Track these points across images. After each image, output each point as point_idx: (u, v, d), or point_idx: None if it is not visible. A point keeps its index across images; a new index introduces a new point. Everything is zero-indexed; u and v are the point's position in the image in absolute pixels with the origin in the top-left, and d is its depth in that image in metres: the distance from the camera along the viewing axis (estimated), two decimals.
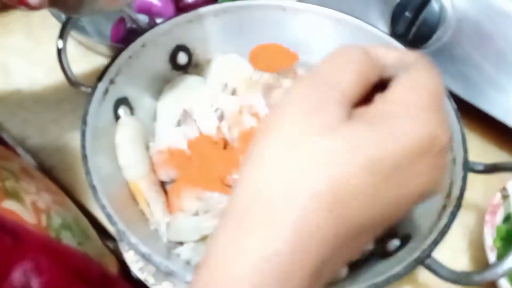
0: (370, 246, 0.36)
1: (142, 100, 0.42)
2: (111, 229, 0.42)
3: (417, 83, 0.22)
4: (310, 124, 0.20)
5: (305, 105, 0.21)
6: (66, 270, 0.31)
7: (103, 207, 0.30)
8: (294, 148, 0.20)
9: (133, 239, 0.29)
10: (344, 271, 0.34)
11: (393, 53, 0.24)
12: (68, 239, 0.33)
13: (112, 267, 0.39)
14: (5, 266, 0.27)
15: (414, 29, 0.49)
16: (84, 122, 0.35)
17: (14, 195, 0.30)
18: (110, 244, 0.43)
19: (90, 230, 0.40)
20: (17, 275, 0.27)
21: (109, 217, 0.30)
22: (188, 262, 0.34)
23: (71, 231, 0.34)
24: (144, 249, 0.29)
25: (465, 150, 0.36)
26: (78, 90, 0.39)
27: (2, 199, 0.29)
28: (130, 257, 0.41)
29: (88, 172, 0.32)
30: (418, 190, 0.21)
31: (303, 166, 0.20)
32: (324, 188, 0.19)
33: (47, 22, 0.60)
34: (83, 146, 0.33)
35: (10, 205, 0.29)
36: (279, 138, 0.21)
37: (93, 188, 0.31)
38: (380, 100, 0.22)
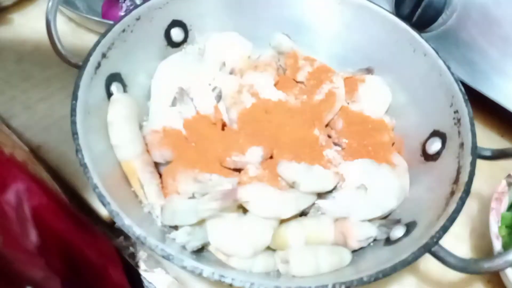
0: (374, 233, 0.34)
1: (136, 77, 0.40)
2: (103, 213, 0.40)
3: None
4: None
5: None
6: (53, 198, 0.30)
7: (95, 187, 0.28)
8: None
9: (127, 221, 0.27)
10: (348, 257, 0.33)
11: None
12: None
13: None
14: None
15: (419, 11, 0.47)
16: (75, 97, 0.32)
17: None
18: (101, 230, 0.41)
19: None
20: (10, 195, 0.27)
21: (101, 197, 0.28)
22: (183, 247, 0.32)
23: None
24: (138, 231, 0.27)
25: (474, 135, 0.35)
26: (67, 68, 0.37)
27: None
28: (121, 242, 0.39)
29: (79, 150, 0.30)
30: None
31: None
32: None
33: None
34: (74, 122, 0.31)
35: None
36: None
37: (85, 166, 0.29)
38: None
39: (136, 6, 0.40)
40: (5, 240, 0.26)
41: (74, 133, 0.31)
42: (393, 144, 0.41)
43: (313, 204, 0.35)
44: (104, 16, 0.55)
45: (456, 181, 0.33)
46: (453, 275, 0.39)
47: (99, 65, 0.36)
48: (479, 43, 0.47)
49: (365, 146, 0.39)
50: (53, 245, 0.29)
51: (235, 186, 0.33)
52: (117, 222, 0.27)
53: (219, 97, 0.40)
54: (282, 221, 0.34)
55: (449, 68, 0.39)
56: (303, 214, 0.35)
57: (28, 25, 0.55)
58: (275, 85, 0.43)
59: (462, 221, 0.43)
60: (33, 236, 0.28)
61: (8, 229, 0.27)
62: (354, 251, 0.34)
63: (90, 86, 0.34)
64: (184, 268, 0.26)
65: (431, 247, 0.30)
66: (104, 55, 0.36)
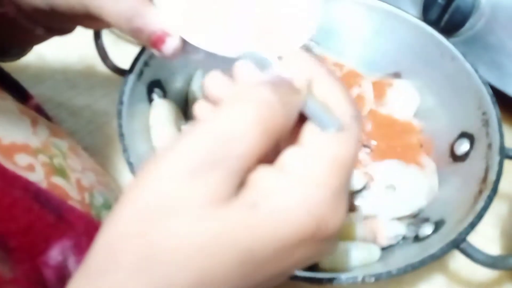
0: (403, 231, 0.35)
1: (174, 84, 0.43)
2: None
3: (324, 149, 0.19)
4: (192, 187, 0.18)
5: (194, 157, 0.18)
6: None
7: None
8: (164, 216, 0.17)
9: None
10: (377, 253, 0.34)
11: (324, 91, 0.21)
12: None
13: None
14: (44, 242, 0.27)
15: (446, 16, 0.48)
16: (121, 102, 0.35)
17: (61, 172, 0.31)
18: None
19: None
20: (54, 252, 0.27)
21: None
22: None
23: None
24: None
25: (501, 135, 0.36)
26: (109, 77, 0.40)
27: (50, 175, 0.29)
28: None
29: (125, 150, 0.32)
30: (294, 268, 0.20)
31: (167, 247, 0.17)
32: (191, 282, 0.17)
33: None
34: (120, 125, 0.34)
35: (57, 180, 0.30)
36: (149, 195, 0.18)
37: (130, 164, 0.32)
38: (276, 165, 0.19)
39: None
40: None
41: (121, 135, 0.33)
42: (421, 146, 0.42)
43: None
44: None
45: (484, 180, 0.34)
46: (483, 275, 0.40)
47: (141, 72, 0.38)
48: (508, 46, 0.47)
49: (393, 148, 0.40)
50: None
51: None
52: None
53: None
54: None
55: (476, 71, 0.40)
56: None
57: (73, 38, 0.59)
58: None
59: (492, 223, 0.43)
60: None
61: None
62: (383, 249, 0.35)
63: (134, 92, 0.37)
64: None
65: (459, 243, 0.31)
66: (146, 63, 0.39)
